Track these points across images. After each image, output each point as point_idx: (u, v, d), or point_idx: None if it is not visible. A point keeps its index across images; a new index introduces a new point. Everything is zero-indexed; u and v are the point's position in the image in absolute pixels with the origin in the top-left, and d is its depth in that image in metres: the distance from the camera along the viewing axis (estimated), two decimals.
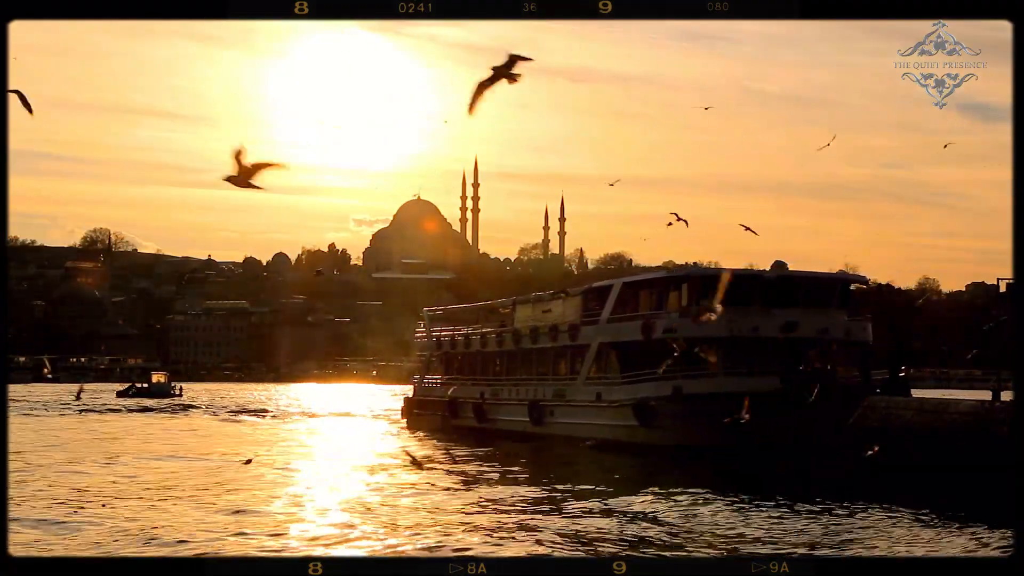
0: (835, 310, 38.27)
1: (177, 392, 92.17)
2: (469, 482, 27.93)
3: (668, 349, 33.57)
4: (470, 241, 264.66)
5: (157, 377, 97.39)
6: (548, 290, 49.92)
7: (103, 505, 22.19)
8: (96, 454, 35.16)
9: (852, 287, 41.45)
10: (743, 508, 22.68)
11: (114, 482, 26.87)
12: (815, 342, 37.35)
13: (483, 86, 9.33)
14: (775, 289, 37.46)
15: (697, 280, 38.18)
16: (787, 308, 36.94)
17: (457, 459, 34.71)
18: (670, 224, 26.39)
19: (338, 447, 41.85)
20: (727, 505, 23.10)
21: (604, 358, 40.61)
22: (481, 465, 33.21)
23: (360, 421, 60.78)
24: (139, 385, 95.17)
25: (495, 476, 29.46)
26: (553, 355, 44.55)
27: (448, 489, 26.07)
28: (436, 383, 54.34)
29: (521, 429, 43.49)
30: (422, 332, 57.78)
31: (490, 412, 46.98)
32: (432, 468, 30.92)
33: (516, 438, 42.61)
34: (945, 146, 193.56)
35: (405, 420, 55.60)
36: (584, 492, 25.06)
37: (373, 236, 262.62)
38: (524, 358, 46.80)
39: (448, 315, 60.24)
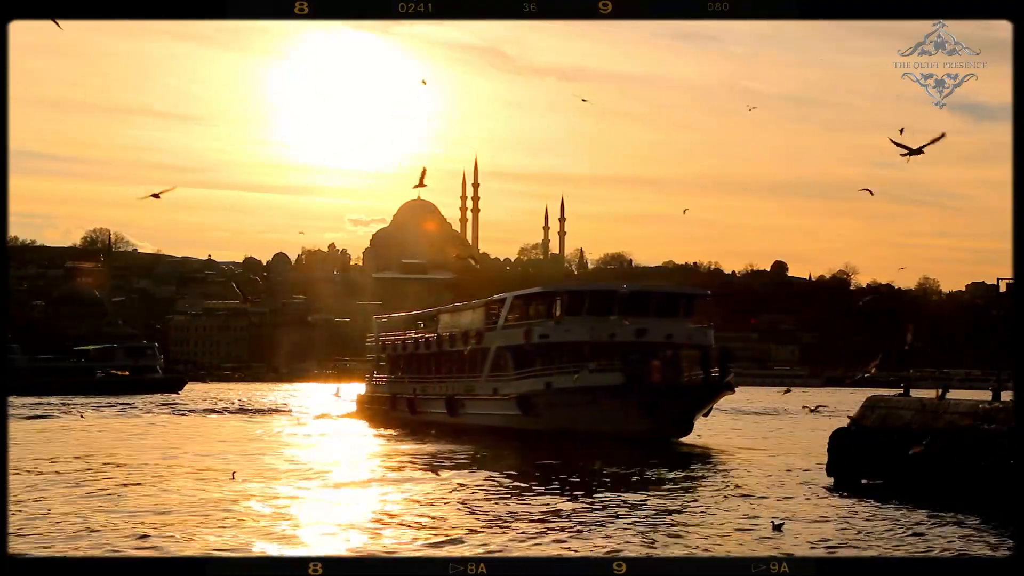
0: (681, 319, 45.28)
1: None
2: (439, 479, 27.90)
3: (544, 351, 44.17)
4: (470, 241, 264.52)
5: None
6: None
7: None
8: None
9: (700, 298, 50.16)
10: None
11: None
12: (663, 346, 44.02)
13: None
14: (629, 302, 44.59)
15: (567, 295, 46.25)
16: (640, 317, 43.82)
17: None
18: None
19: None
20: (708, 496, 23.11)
21: (501, 359, 47.34)
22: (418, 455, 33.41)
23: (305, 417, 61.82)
24: None
25: (475, 473, 29.43)
26: (466, 357, 50.88)
27: (424, 489, 26.06)
28: (382, 381, 61.85)
29: (441, 420, 50.52)
30: (372, 337, 65.90)
31: (419, 406, 54.55)
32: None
33: (437, 428, 48.74)
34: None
35: (357, 414, 61.64)
36: (570, 486, 25.08)
37: (373, 236, 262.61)
38: (446, 359, 54.08)
39: (392, 322, 67.23)
